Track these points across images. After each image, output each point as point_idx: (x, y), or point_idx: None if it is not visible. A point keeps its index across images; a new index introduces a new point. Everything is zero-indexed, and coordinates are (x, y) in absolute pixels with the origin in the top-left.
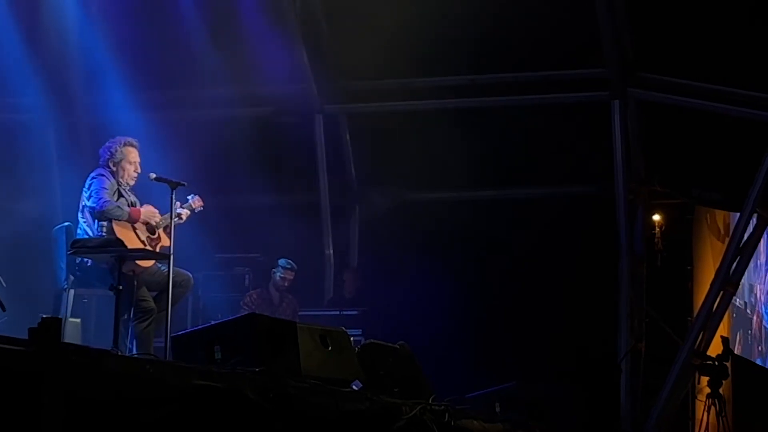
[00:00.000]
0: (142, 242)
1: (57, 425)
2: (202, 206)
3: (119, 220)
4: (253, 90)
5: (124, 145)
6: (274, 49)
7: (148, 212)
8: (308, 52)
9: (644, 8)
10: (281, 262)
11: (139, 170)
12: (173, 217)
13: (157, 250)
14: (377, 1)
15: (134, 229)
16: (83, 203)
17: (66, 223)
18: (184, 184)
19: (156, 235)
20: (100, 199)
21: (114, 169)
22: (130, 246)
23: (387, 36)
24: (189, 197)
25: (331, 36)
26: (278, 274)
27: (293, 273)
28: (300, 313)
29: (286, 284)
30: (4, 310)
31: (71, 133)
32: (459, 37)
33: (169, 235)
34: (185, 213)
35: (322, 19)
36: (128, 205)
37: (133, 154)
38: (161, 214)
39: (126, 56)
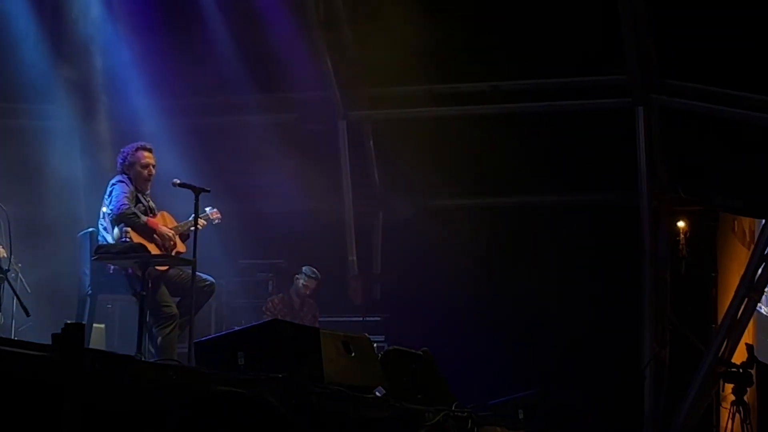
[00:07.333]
0: (159, 248)
1: (77, 429)
2: (220, 218)
3: (134, 228)
4: (277, 97)
5: (136, 149)
6: (298, 55)
7: (163, 233)
8: (332, 58)
9: (667, 14)
10: (305, 269)
11: (153, 172)
12: (197, 223)
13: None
14: (400, 8)
15: (154, 235)
16: (103, 209)
17: (90, 229)
18: (208, 191)
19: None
20: (119, 202)
21: (129, 174)
22: (152, 252)
23: (410, 43)
24: (207, 209)
25: (355, 43)
26: (301, 281)
27: (316, 282)
28: (323, 319)
29: (307, 292)
30: (28, 315)
31: (96, 140)
32: (481, 43)
33: (185, 241)
34: (201, 223)
35: (346, 26)
36: (146, 210)
37: (146, 158)
38: (179, 220)
39: (151, 63)
